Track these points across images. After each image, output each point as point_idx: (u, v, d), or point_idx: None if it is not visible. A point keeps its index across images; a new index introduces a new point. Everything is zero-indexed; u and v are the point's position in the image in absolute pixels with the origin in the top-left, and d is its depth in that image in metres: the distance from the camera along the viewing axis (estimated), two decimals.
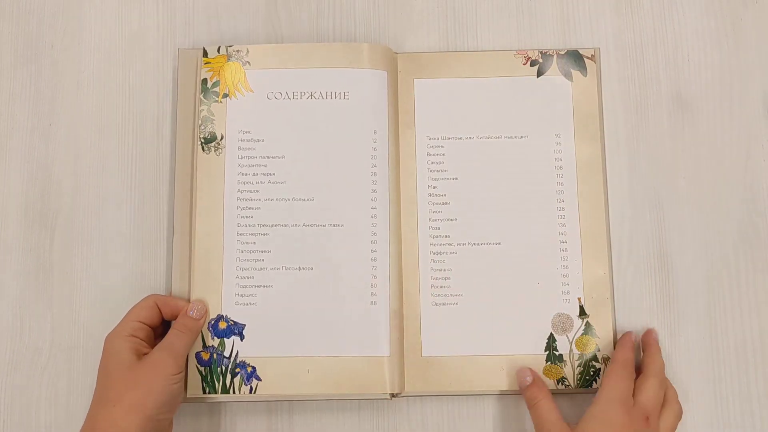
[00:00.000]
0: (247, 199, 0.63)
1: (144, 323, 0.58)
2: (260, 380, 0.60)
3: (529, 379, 0.60)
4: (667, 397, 0.59)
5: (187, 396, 0.60)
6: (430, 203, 0.64)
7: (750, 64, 0.67)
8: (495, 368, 0.62)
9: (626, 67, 0.67)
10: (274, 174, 0.63)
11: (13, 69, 0.67)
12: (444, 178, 0.65)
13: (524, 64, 0.65)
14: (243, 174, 0.63)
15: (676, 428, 0.59)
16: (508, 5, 0.68)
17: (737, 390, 0.62)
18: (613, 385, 0.57)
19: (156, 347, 0.57)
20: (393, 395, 0.61)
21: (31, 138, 0.66)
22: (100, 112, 0.67)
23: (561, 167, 0.64)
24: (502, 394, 0.62)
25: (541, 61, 0.65)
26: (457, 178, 0.65)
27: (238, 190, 0.63)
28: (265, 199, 0.63)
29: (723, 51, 0.67)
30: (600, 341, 0.62)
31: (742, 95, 0.66)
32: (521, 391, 0.60)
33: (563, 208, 0.64)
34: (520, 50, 0.66)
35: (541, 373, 0.61)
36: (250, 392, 0.60)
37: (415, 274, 0.63)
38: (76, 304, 0.64)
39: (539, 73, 0.65)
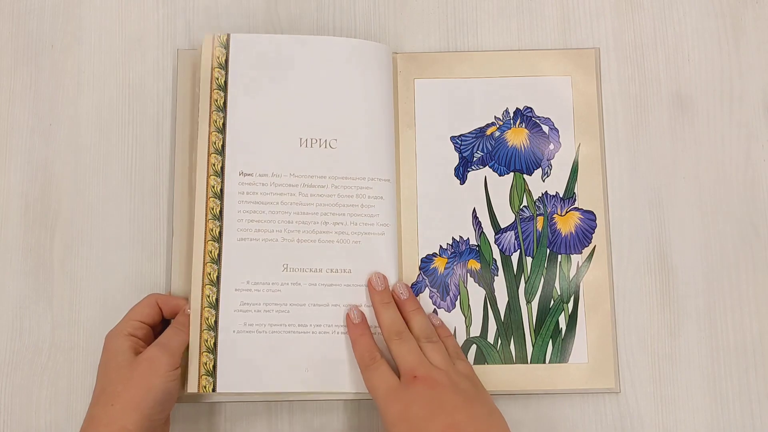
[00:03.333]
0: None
1: (144, 322, 0.58)
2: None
3: (356, 319, 0.59)
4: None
5: (186, 393, 0.59)
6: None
7: (750, 64, 0.67)
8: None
9: (626, 67, 0.67)
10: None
11: (13, 69, 0.67)
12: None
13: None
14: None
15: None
16: (508, 5, 0.68)
17: (737, 390, 0.62)
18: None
19: (152, 344, 0.57)
20: None
21: (31, 138, 0.66)
22: (100, 112, 0.67)
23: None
24: (503, 393, 0.62)
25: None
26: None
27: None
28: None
29: (723, 51, 0.67)
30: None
31: (742, 95, 0.66)
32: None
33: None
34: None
35: None
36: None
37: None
38: (76, 304, 0.64)
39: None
